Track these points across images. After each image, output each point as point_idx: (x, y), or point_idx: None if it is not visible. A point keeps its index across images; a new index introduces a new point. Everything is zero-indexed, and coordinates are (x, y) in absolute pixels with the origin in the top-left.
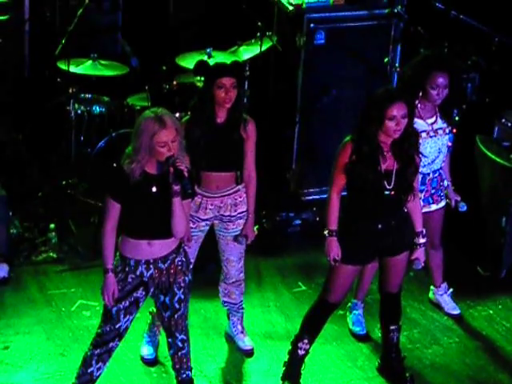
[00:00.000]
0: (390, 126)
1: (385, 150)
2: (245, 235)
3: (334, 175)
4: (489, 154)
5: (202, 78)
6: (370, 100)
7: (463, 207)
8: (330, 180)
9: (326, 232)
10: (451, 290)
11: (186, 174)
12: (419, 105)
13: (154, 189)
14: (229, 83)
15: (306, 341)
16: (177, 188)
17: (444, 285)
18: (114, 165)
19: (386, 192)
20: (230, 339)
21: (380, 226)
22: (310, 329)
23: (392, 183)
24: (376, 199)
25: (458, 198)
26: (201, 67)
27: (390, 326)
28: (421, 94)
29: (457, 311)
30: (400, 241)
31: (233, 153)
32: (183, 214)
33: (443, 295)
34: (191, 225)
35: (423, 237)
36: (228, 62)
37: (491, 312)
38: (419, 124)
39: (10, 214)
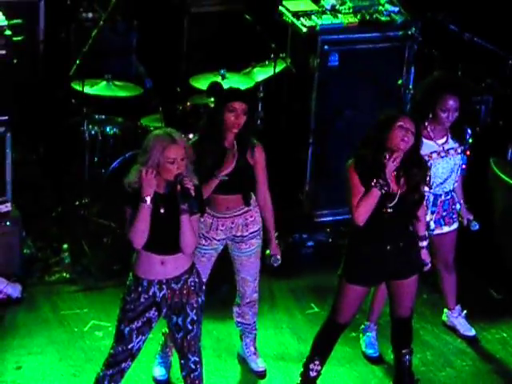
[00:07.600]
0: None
1: None
2: (274, 255)
3: (352, 194)
4: (503, 176)
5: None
6: (371, 128)
7: (475, 226)
8: (349, 203)
9: None
10: (465, 311)
11: (192, 193)
12: (429, 126)
13: (161, 210)
14: (240, 108)
15: (317, 362)
16: (184, 206)
17: (458, 307)
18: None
19: (389, 210)
20: (242, 360)
21: (389, 247)
22: (321, 350)
23: (394, 204)
24: (379, 220)
25: (471, 217)
26: (214, 88)
27: (402, 350)
28: (431, 115)
29: (472, 333)
30: (409, 263)
31: (239, 177)
32: (191, 230)
33: (458, 317)
34: (204, 242)
35: (425, 239)
36: (242, 88)
37: (505, 335)
38: (429, 145)
39: (24, 234)
